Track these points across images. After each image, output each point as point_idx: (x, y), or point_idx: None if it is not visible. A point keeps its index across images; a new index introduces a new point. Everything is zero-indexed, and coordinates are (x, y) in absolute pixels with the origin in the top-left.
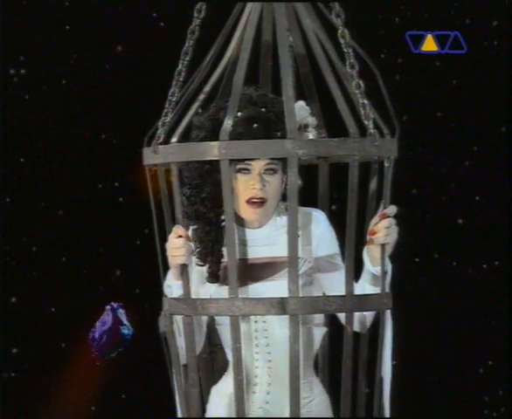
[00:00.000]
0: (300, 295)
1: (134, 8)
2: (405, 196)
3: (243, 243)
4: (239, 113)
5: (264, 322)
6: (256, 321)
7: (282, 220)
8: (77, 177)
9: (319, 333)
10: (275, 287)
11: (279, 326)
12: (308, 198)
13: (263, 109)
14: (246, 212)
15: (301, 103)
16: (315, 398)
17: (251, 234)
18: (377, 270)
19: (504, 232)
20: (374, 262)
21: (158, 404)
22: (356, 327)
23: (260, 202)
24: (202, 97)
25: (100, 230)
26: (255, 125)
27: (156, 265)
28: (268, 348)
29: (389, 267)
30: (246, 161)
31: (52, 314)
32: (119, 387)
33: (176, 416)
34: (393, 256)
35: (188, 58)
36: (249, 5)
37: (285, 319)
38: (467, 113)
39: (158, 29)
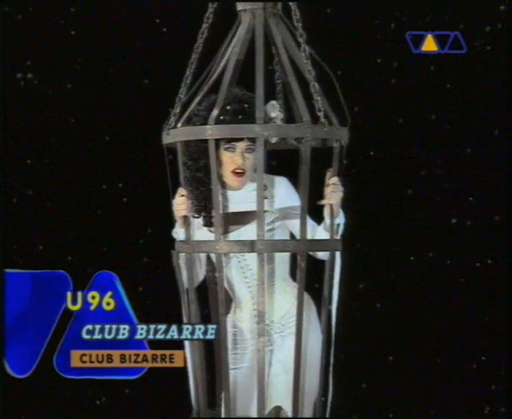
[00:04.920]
0: (269, 238)
1: (138, 14)
2: (401, 196)
3: (227, 201)
4: (228, 107)
5: (245, 260)
6: (239, 261)
7: (254, 185)
8: (82, 178)
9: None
10: (250, 230)
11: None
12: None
13: (245, 105)
14: (231, 179)
15: (273, 102)
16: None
17: (233, 194)
18: (335, 221)
19: (497, 231)
20: (328, 216)
21: (161, 400)
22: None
23: (242, 173)
24: (201, 94)
25: (104, 230)
26: (240, 117)
27: (157, 264)
28: (255, 277)
29: (342, 220)
30: (232, 143)
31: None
32: (122, 382)
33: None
34: (390, 255)
35: (194, 67)
36: (241, 25)
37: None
38: (461, 115)
39: (161, 33)
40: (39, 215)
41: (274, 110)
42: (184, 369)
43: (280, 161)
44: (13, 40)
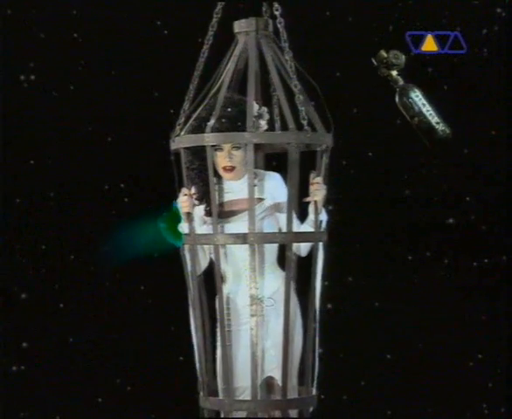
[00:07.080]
0: (260, 226)
1: (139, 16)
2: (399, 197)
3: (226, 191)
4: (229, 109)
5: None
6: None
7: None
8: (84, 178)
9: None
10: (245, 220)
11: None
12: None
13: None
14: (224, 175)
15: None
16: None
17: (231, 184)
18: (318, 217)
19: (494, 231)
20: (313, 212)
21: (161, 399)
22: (304, 253)
23: (231, 169)
24: (201, 107)
25: (106, 230)
26: (230, 110)
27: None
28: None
29: (324, 217)
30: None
31: (61, 310)
32: (125, 379)
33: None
34: (388, 254)
35: (196, 83)
36: (237, 45)
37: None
38: (459, 117)
39: (162, 36)
40: (42, 215)
41: (263, 113)
42: (184, 369)
43: (279, 162)
44: (16, 42)
